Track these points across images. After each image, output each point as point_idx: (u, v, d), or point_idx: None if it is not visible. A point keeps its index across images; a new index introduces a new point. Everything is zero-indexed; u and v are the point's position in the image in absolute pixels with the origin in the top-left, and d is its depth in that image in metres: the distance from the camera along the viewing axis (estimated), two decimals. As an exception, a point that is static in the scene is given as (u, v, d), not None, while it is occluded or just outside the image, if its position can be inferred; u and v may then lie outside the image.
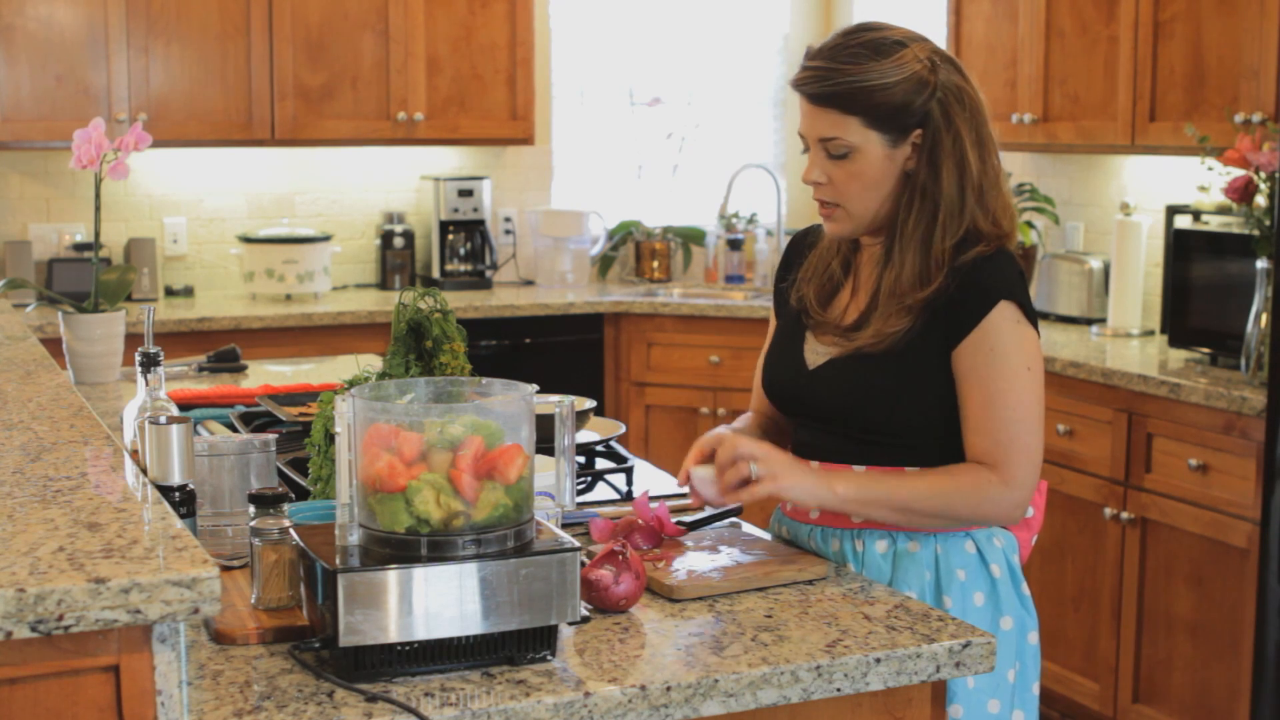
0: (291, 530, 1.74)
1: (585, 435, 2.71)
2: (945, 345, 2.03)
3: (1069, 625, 4.03)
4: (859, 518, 2.08)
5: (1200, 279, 3.96)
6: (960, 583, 2.07)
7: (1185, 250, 4.01)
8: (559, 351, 5.20)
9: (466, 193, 5.44)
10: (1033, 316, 2.06)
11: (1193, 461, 3.60)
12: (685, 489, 2.06)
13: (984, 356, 2.01)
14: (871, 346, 2.06)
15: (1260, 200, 3.67)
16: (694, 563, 2.00)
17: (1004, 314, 2.01)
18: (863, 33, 2.05)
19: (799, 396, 2.16)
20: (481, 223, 5.48)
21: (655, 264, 5.81)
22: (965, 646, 1.76)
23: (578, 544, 1.65)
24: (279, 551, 1.78)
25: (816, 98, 2.04)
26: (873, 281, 2.12)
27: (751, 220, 5.89)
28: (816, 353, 2.14)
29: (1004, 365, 2.00)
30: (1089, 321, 4.56)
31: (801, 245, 2.28)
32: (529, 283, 5.68)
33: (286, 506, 1.83)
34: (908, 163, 2.06)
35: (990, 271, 2.02)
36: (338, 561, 1.58)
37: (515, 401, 1.66)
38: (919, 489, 2.01)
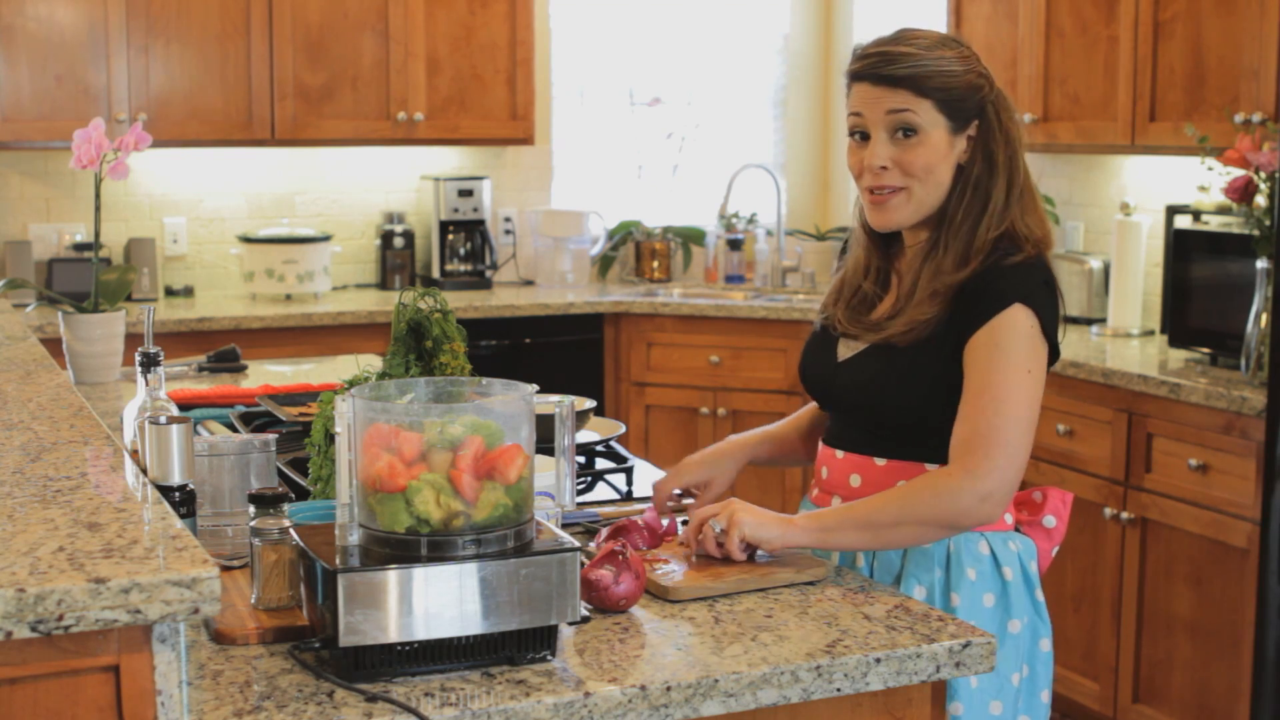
0: (291, 530, 1.74)
1: (585, 435, 2.71)
2: (960, 341, 2.04)
3: (1069, 625, 4.03)
4: (830, 550, 2.09)
5: (1200, 279, 3.95)
6: (970, 582, 2.08)
7: (1185, 250, 4.01)
8: (559, 351, 5.20)
9: (466, 193, 5.44)
10: (1051, 328, 2.05)
11: (1193, 461, 3.60)
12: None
13: (986, 350, 2.02)
14: (900, 338, 2.08)
15: (1260, 200, 3.67)
16: (690, 564, 2.00)
17: (1017, 316, 2.02)
18: (916, 32, 2.11)
19: (828, 388, 2.20)
20: (481, 223, 5.48)
21: (655, 264, 5.80)
22: (965, 646, 1.76)
23: (578, 544, 1.65)
24: (279, 551, 1.78)
25: (890, 79, 2.06)
26: (912, 277, 2.13)
27: (751, 220, 5.89)
28: (849, 346, 2.18)
29: (1004, 361, 2.00)
30: (1089, 321, 4.56)
31: None
32: (529, 283, 5.68)
33: (286, 506, 1.83)
34: (961, 155, 2.10)
35: (1015, 276, 2.04)
36: (338, 561, 1.58)
37: (515, 401, 1.65)
38: (874, 500, 2.01)
